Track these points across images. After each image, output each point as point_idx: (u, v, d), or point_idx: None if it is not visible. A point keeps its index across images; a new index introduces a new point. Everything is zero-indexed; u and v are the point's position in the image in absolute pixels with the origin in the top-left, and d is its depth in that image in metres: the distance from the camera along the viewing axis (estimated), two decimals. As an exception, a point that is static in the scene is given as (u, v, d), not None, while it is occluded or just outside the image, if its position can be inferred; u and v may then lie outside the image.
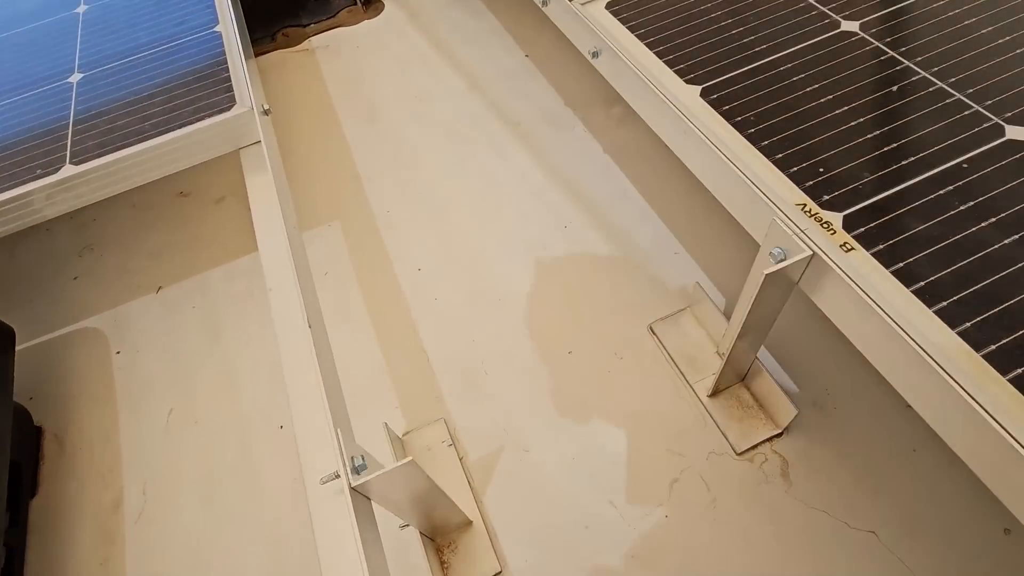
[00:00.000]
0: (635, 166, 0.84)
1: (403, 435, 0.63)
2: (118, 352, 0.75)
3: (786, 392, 0.57)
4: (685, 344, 0.65)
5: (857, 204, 0.44)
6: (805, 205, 0.45)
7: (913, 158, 0.46)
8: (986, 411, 0.34)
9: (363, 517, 0.38)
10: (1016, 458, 0.33)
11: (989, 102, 0.48)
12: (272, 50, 1.18)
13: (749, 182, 0.46)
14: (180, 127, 0.60)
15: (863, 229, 0.43)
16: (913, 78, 0.51)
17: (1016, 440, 0.32)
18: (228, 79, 0.65)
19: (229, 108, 0.61)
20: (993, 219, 0.42)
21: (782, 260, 0.44)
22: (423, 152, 0.91)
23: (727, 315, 0.63)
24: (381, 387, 0.68)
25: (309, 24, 1.22)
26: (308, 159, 0.93)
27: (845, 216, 0.44)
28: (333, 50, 1.14)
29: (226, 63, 0.67)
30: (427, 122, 0.95)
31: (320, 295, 0.77)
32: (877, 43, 0.54)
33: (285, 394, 0.45)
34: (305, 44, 1.17)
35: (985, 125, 0.47)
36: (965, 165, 0.45)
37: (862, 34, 0.55)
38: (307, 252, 0.82)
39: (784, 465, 0.57)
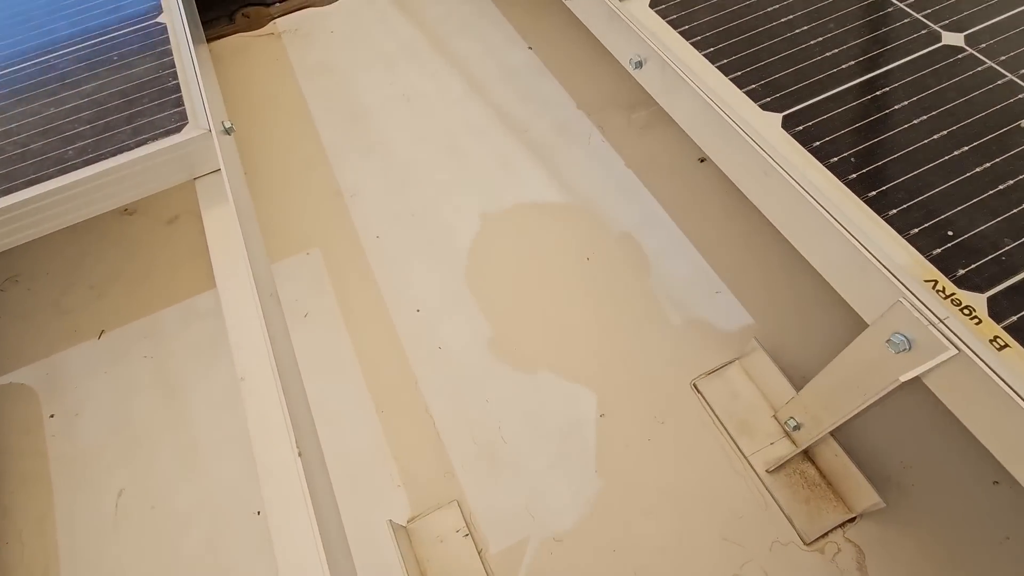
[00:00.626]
0: (665, 183, 0.73)
1: (408, 522, 0.53)
2: (52, 415, 0.62)
3: (857, 465, 0.49)
4: (736, 406, 0.56)
5: (1005, 281, 0.35)
6: (936, 282, 0.35)
7: (1062, 219, 0.37)
8: None
9: None
10: None
11: None
12: (230, 33, 1.02)
13: (861, 248, 0.37)
14: (116, 154, 0.46)
15: (1016, 317, 0.34)
16: (1039, 109, 0.42)
17: None
18: (177, 88, 0.51)
19: (180, 128, 0.48)
20: None
21: (904, 349, 0.35)
22: (417, 165, 0.78)
23: (783, 369, 0.54)
24: (378, 458, 0.57)
25: (274, 3, 1.06)
26: (276, 170, 0.80)
27: (990, 298, 0.34)
28: (303, 35, 0.99)
29: (174, 65, 0.54)
30: (419, 128, 0.82)
31: (300, 340, 0.65)
32: (989, 62, 0.45)
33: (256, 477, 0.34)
34: (270, 27, 1.02)
35: None
36: None
37: (969, 49, 0.46)
38: (281, 287, 0.69)
39: (860, 556, 0.49)
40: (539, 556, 0.51)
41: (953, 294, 0.35)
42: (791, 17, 0.50)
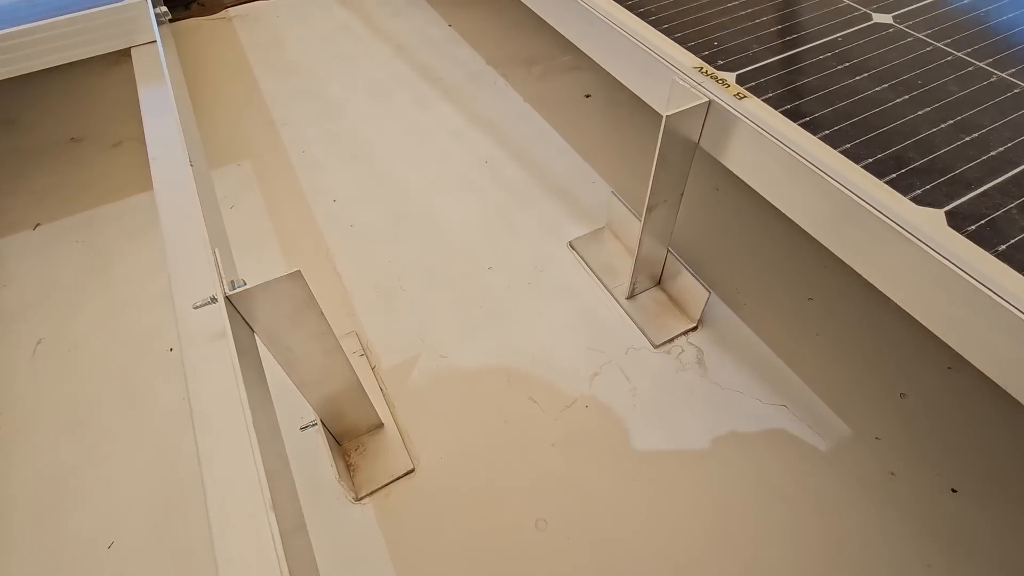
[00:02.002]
0: (554, 112, 0.86)
1: (311, 350, 0.59)
2: (-20, 287, 0.66)
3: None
4: (604, 255, 0.65)
5: (749, 66, 0.47)
6: (702, 68, 0.47)
7: (798, 34, 0.50)
8: (867, 203, 0.36)
9: (243, 346, 0.34)
10: (864, 215, 0.34)
11: (857, -1, 0.54)
12: (185, 18, 1.14)
13: (650, 52, 0.48)
14: (62, 15, 0.55)
15: (755, 83, 0.45)
16: (793, -16, 0.56)
17: (876, 210, 0.34)
18: (124, -20, 0.61)
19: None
20: (865, 74, 0.46)
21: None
22: (344, 103, 0.89)
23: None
24: (289, 308, 0.63)
25: (228, -3, 1.19)
26: (218, 107, 0.89)
27: (738, 75, 0.46)
28: (252, 18, 1.12)
29: (125, -27, 0.64)
30: (349, 79, 0.94)
31: (225, 226, 0.72)
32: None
33: (173, 313, 0.40)
34: (222, 13, 1.14)
35: (855, 13, 0.52)
36: (840, 39, 0.49)
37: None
38: (213, 188, 0.77)
39: (700, 354, 0.57)
40: (426, 369, 0.57)
41: (712, 73, 0.46)
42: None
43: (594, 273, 0.64)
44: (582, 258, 0.66)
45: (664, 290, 0.62)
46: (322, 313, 0.38)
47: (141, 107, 0.52)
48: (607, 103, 0.87)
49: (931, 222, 0.35)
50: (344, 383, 0.45)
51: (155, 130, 0.48)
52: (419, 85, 0.92)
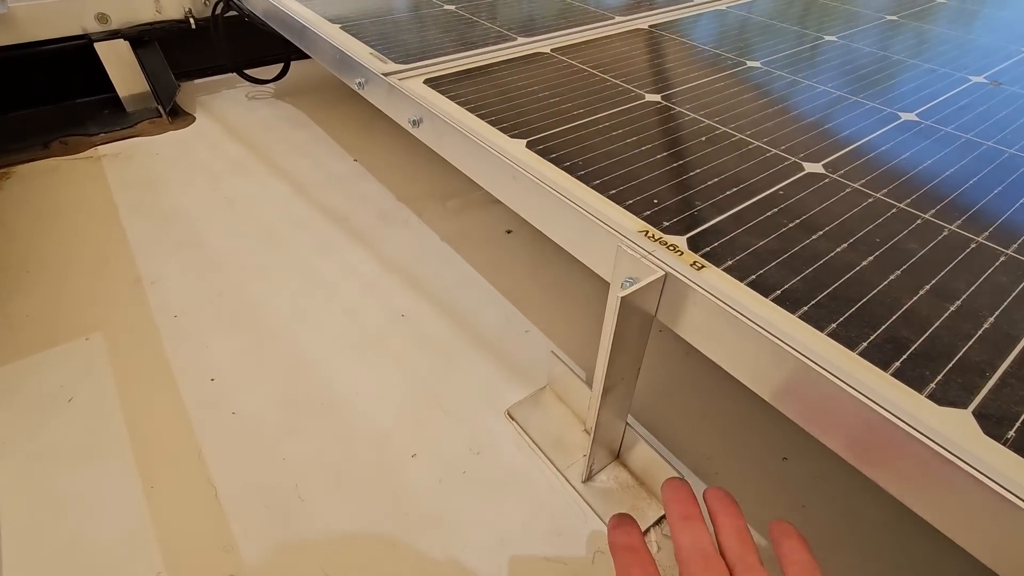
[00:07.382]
0: (477, 252, 0.79)
1: (167, 617, 0.42)
2: None
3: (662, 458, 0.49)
4: (549, 426, 0.56)
5: (697, 227, 0.42)
6: (648, 231, 0.41)
7: (737, 188, 0.46)
8: (884, 409, 0.29)
9: None
10: (881, 423, 0.27)
11: (784, 146, 0.52)
12: (42, 158, 0.99)
13: (588, 215, 0.42)
14: None
15: (709, 248, 0.40)
16: (716, 131, 0.54)
17: (896, 417, 0.28)
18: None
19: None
20: (820, 232, 0.42)
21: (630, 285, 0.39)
22: (230, 254, 0.77)
23: (589, 384, 0.56)
24: (136, 545, 0.46)
25: (98, 134, 1.07)
26: (64, 265, 0.74)
27: (689, 238, 0.41)
28: (125, 157, 1.00)
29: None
30: (239, 225, 0.83)
31: (57, 428, 0.55)
32: (679, 108, 0.58)
33: None
34: (90, 152, 1.01)
35: (786, 163, 0.50)
36: (781, 192, 0.46)
37: (664, 102, 0.59)
38: (45, 376, 0.60)
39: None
40: (336, 625, 0.42)
41: (660, 238, 0.41)
42: (535, 87, 0.62)
43: (541, 451, 0.54)
44: (524, 431, 0.55)
45: (625, 465, 0.52)
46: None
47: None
48: (530, 238, 0.82)
49: (964, 430, 0.28)
50: None
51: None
52: (322, 227, 0.83)
